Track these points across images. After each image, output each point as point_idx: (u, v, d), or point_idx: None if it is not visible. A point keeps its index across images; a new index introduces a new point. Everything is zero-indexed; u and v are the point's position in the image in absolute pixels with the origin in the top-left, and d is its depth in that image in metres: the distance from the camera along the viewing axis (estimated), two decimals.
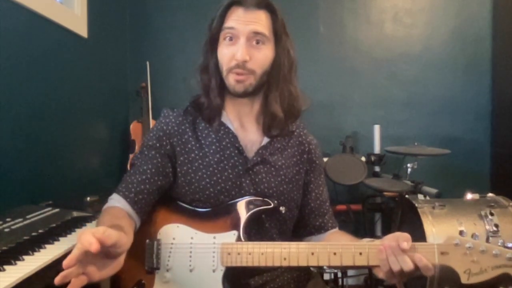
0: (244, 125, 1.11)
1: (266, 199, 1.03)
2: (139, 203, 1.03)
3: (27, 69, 1.65)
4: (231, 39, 1.03)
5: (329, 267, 1.07)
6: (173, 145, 1.08)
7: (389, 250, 0.87)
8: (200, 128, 1.10)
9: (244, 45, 1.01)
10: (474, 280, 0.85)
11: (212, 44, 1.07)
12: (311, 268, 1.22)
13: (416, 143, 2.26)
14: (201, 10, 2.79)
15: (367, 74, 2.87)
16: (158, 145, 1.07)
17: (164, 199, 1.08)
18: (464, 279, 0.86)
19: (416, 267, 0.85)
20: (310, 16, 2.88)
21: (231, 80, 1.04)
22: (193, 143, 1.08)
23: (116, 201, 1.03)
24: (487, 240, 1.67)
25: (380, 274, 0.90)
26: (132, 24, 2.86)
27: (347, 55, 2.89)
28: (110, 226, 0.81)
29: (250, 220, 1.02)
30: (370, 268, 0.94)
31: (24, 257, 0.91)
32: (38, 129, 1.71)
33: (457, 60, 2.83)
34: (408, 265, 0.85)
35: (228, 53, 1.03)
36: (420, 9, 2.87)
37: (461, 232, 0.89)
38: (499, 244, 0.87)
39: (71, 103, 2.00)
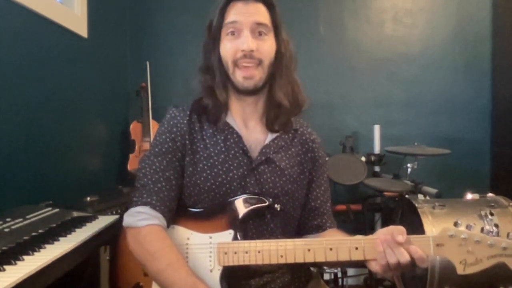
0: (248, 125, 1.11)
1: (262, 197, 1.02)
2: (171, 211, 1.02)
3: (27, 69, 1.65)
4: (233, 33, 1.03)
5: (327, 263, 1.06)
6: (184, 145, 1.06)
7: (385, 244, 0.87)
8: (205, 127, 1.09)
9: (249, 36, 1.01)
10: (470, 270, 0.85)
11: (214, 42, 1.06)
12: (311, 269, 1.22)
13: (416, 143, 2.26)
14: (201, 10, 2.76)
15: (367, 74, 2.87)
16: (174, 147, 1.05)
17: None
18: (460, 270, 0.86)
19: (412, 259, 0.86)
20: (310, 16, 2.87)
21: (238, 77, 1.03)
22: (198, 143, 1.07)
23: (154, 218, 0.98)
24: None
25: (376, 267, 0.90)
26: (132, 24, 2.86)
27: (347, 55, 2.89)
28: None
29: (247, 219, 1.02)
30: (366, 263, 0.93)
31: (24, 257, 0.91)
32: (38, 129, 1.71)
33: (457, 60, 2.83)
34: (404, 257, 0.85)
35: (233, 47, 1.02)
36: (420, 9, 2.87)
37: (455, 223, 0.89)
38: None
39: (71, 103, 2.00)
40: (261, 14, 1.04)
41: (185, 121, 1.08)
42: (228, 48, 1.03)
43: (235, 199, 1.02)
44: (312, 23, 2.88)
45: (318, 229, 1.14)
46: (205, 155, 1.06)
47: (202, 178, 1.04)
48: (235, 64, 1.03)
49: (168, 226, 1.02)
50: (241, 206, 1.01)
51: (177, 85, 2.74)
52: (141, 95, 2.69)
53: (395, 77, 2.86)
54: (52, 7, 1.83)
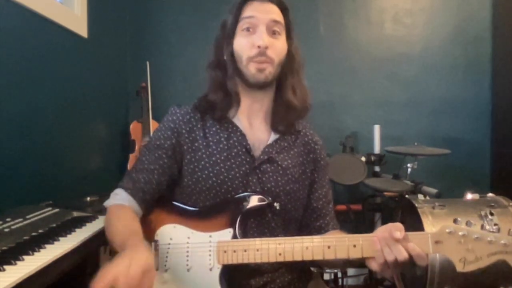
0: (252, 124, 1.11)
1: (261, 196, 1.02)
2: (145, 202, 1.05)
3: (27, 69, 1.65)
4: (248, 29, 1.04)
5: (328, 264, 1.06)
6: (180, 143, 1.08)
7: (382, 241, 0.87)
8: (208, 125, 1.10)
9: (265, 32, 1.03)
10: (470, 268, 0.84)
11: (228, 37, 1.07)
12: (311, 268, 1.22)
13: (416, 143, 2.26)
14: (201, 10, 2.80)
15: (367, 74, 2.87)
16: (165, 145, 1.07)
17: (160, 200, 1.09)
18: (459, 268, 0.84)
19: (410, 257, 0.85)
20: (311, 16, 2.88)
21: (252, 69, 1.04)
22: (200, 141, 1.08)
23: (124, 199, 1.04)
24: None
25: (374, 266, 0.90)
26: (132, 24, 2.86)
27: (347, 55, 2.89)
28: (129, 233, 0.91)
29: (247, 218, 1.03)
30: (365, 262, 0.93)
31: (24, 257, 0.91)
32: (38, 129, 1.71)
33: (457, 60, 2.84)
34: (402, 255, 0.84)
35: (247, 43, 1.04)
36: (420, 9, 2.87)
37: (455, 220, 0.88)
38: None
39: (71, 103, 2.00)
40: (277, 13, 1.07)
41: (185, 119, 1.09)
42: (243, 43, 1.04)
43: (235, 198, 1.02)
44: (312, 23, 2.88)
45: (321, 230, 1.14)
46: (208, 153, 1.06)
47: (204, 176, 1.05)
48: (250, 60, 1.04)
49: (143, 209, 1.05)
50: (241, 205, 1.01)
51: (177, 85, 2.74)
52: (141, 95, 2.69)
53: (395, 77, 2.87)
54: (52, 7, 1.83)
